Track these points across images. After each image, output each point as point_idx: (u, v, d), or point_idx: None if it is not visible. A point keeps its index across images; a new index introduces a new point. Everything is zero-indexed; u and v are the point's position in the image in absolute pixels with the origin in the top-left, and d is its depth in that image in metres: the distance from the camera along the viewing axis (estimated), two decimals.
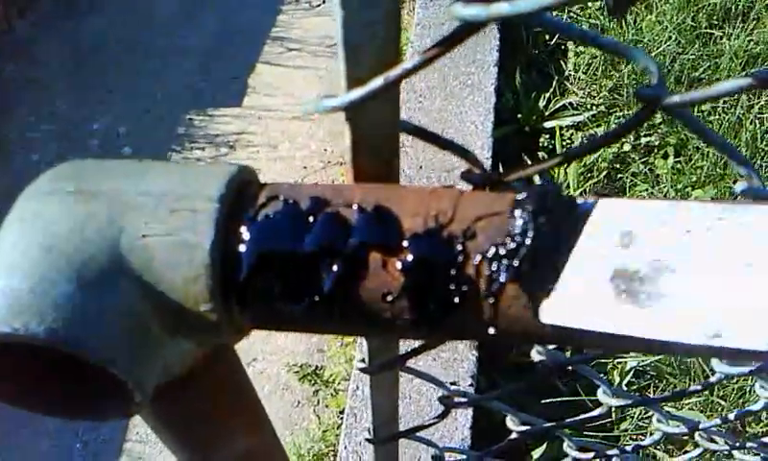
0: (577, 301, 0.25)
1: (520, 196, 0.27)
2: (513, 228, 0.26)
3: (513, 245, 0.26)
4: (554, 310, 0.25)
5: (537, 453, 1.70)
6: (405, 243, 0.27)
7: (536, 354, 0.45)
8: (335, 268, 0.27)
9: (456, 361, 1.70)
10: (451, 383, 1.61)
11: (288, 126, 2.54)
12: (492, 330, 0.27)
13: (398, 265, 0.27)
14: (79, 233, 0.27)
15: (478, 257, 0.26)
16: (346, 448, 1.62)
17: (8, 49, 2.71)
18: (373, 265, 0.27)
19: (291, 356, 1.98)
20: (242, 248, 0.28)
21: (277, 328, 0.30)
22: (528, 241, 0.26)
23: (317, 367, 2.00)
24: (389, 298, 0.28)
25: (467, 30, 0.23)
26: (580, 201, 0.27)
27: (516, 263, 0.26)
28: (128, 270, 0.27)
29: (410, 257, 0.27)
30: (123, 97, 2.61)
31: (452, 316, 0.27)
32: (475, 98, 2.13)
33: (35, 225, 0.28)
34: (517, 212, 0.27)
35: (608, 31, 2.61)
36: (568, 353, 1.46)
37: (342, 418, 1.86)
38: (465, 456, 0.85)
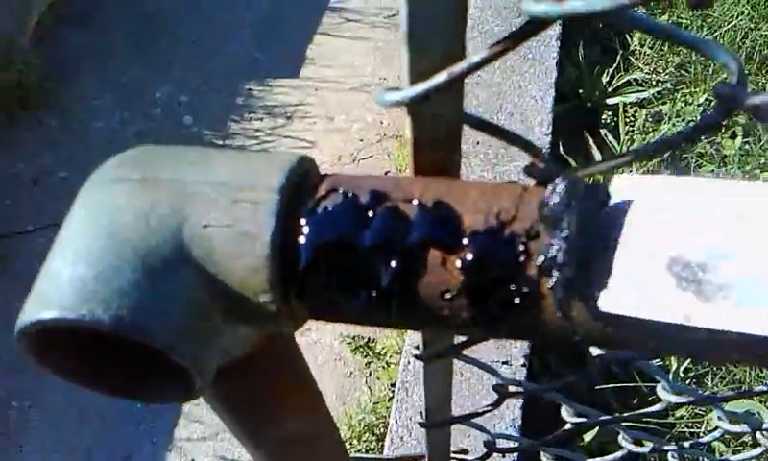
0: (638, 291, 0.23)
1: (560, 188, 0.26)
2: (561, 224, 0.25)
3: (565, 244, 0.25)
4: (614, 301, 0.24)
5: (588, 436, 1.68)
6: (465, 241, 0.27)
7: (594, 348, 0.44)
8: (393, 264, 0.27)
9: (509, 341, 1.69)
10: (503, 362, 1.60)
11: (345, 98, 2.54)
12: (553, 332, 0.26)
13: (458, 263, 0.27)
14: (144, 222, 0.28)
15: (541, 258, 0.26)
16: (396, 421, 1.64)
17: (72, 17, 2.78)
18: (432, 262, 0.27)
19: (344, 328, 2.01)
20: (301, 240, 0.28)
21: (334, 320, 0.30)
22: (574, 238, 0.25)
23: (369, 339, 2.01)
24: (447, 296, 0.27)
25: (537, 26, 0.22)
26: (624, 186, 0.26)
27: (570, 261, 0.25)
28: (190, 259, 0.28)
29: (470, 256, 0.27)
30: (184, 67, 2.66)
31: (512, 316, 0.27)
32: (536, 72, 2.08)
33: (101, 213, 0.28)
34: (562, 208, 0.26)
35: (675, 4, 2.50)
36: None
37: (393, 391, 1.87)
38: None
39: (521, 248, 0.26)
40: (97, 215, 0.28)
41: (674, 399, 0.52)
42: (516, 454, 1.55)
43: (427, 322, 0.28)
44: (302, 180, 0.29)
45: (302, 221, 0.28)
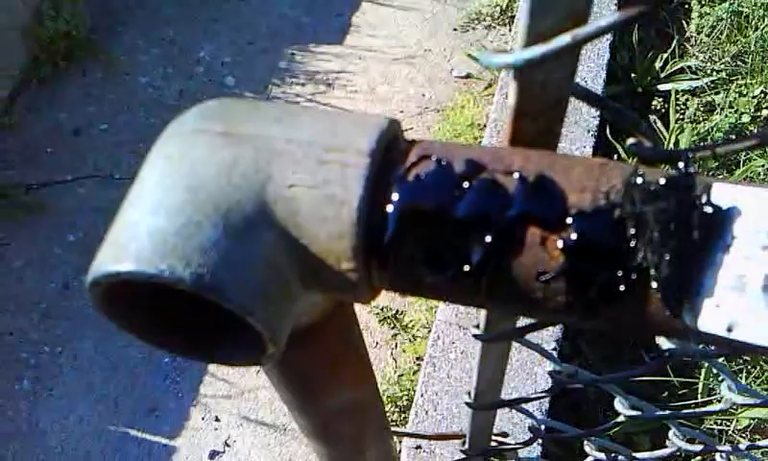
0: (733, 311, 0.22)
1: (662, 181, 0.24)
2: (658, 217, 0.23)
3: (659, 240, 0.23)
4: (708, 320, 0.22)
5: (616, 427, 1.65)
6: (569, 220, 0.25)
7: (664, 341, 0.42)
8: (488, 239, 0.25)
9: None
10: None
11: (388, 68, 2.50)
12: (657, 326, 0.24)
13: (559, 243, 0.25)
14: (225, 177, 0.26)
15: (646, 249, 0.24)
16: (422, 395, 1.63)
17: None
18: (531, 240, 0.25)
19: None
20: (389, 208, 0.26)
21: (415, 294, 0.29)
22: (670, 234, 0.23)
23: (397, 311, 2.01)
24: (544, 278, 0.25)
25: None
26: (726, 193, 0.23)
27: (662, 258, 0.23)
28: (272, 220, 0.26)
29: (573, 236, 0.25)
30: (228, 27, 2.64)
31: (613, 306, 0.25)
32: (588, 53, 2.03)
33: (181, 164, 0.27)
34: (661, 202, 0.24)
35: None
36: None
37: (418, 364, 1.87)
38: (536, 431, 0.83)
39: (632, 232, 0.24)
40: (178, 167, 0.26)
41: (739, 399, 0.50)
42: (540, 442, 1.54)
43: (519, 304, 0.26)
44: (392, 144, 0.28)
45: (392, 188, 0.26)
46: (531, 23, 0.22)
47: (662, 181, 0.24)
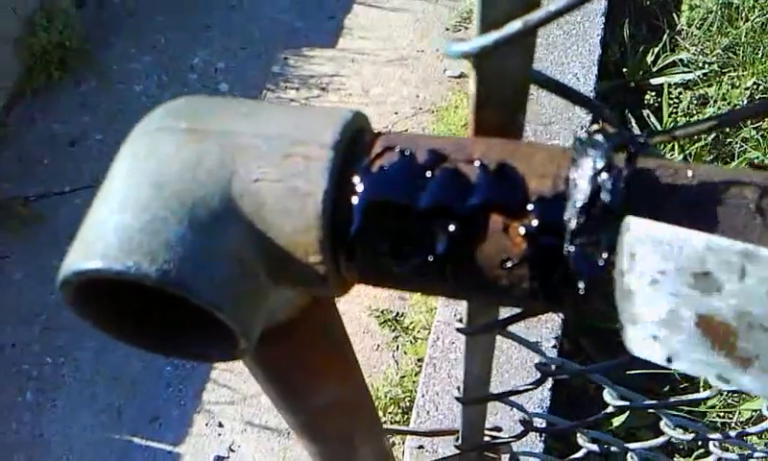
0: (671, 344, 0.22)
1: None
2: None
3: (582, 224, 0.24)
4: (647, 350, 0.23)
5: (617, 421, 1.66)
6: (530, 206, 0.25)
7: None
8: (451, 228, 0.26)
9: (540, 322, 1.67)
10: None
11: (381, 70, 2.51)
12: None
13: (521, 230, 0.25)
14: (191, 173, 0.26)
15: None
16: (423, 396, 1.63)
17: None
18: (493, 228, 0.25)
19: (373, 301, 2.00)
20: (354, 200, 0.26)
21: (384, 285, 0.29)
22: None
23: (398, 313, 2.01)
24: (507, 264, 0.26)
25: None
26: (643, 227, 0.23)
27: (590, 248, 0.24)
28: (238, 214, 0.26)
29: (535, 222, 0.25)
30: (221, 33, 2.65)
31: (576, 290, 0.25)
32: (579, 49, 2.03)
33: (147, 161, 0.27)
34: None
35: None
36: None
37: (419, 366, 1.87)
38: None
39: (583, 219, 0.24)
40: (144, 164, 0.27)
41: (726, 386, 0.49)
42: (542, 435, 1.54)
43: (483, 292, 0.27)
44: (357, 136, 0.28)
45: (356, 179, 0.27)
46: (484, 10, 0.23)
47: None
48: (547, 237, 0.25)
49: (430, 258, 0.26)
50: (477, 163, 0.26)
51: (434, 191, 0.26)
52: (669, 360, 0.22)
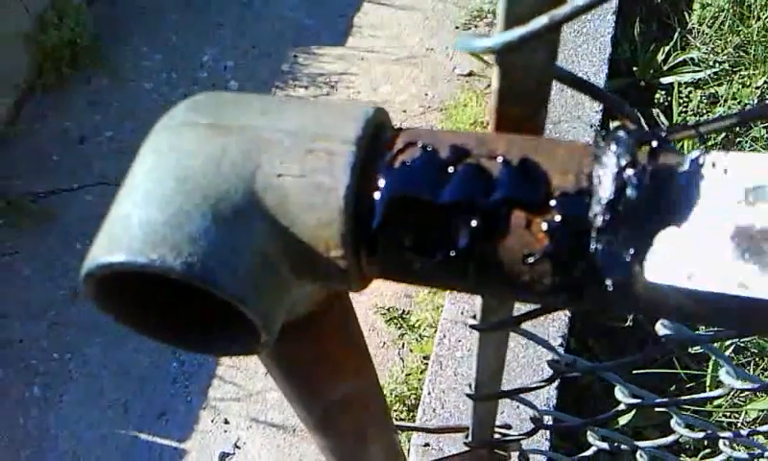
0: (691, 260, 0.22)
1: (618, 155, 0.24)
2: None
3: (607, 209, 0.24)
4: (662, 269, 0.22)
5: (624, 420, 1.65)
6: (553, 202, 0.25)
7: (661, 328, 0.42)
8: (473, 223, 0.26)
9: (547, 320, 1.66)
10: None
11: (390, 68, 2.51)
12: (643, 303, 0.25)
13: (544, 226, 0.25)
14: (214, 167, 0.27)
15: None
16: (429, 393, 1.63)
17: None
18: (516, 223, 0.25)
19: (379, 298, 2.00)
20: (376, 195, 0.27)
21: (405, 280, 0.29)
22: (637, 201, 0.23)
23: (404, 311, 2.01)
24: (530, 260, 0.26)
25: None
26: (696, 155, 0.24)
27: (611, 227, 0.24)
28: (261, 209, 0.26)
29: (557, 218, 0.25)
30: (231, 31, 2.65)
31: (601, 287, 0.25)
32: (589, 47, 2.02)
33: (170, 156, 0.27)
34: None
35: None
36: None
37: (425, 363, 1.87)
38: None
39: (608, 215, 0.24)
40: (167, 159, 0.27)
41: (738, 384, 0.50)
42: (548, 433, 1.54)
43: (505, 287, 0.27)
44: (378, 132, 0.28)
45: (378, 175, 0.27)
46: (509, 5, 0.23)
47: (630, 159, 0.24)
48: (570, 233, 0.25)
49: (452, 253, 0.26)
50: (500, 159, 0.26)
51: (457, 186, 0.26)
52: (691, 281, 0.22)
